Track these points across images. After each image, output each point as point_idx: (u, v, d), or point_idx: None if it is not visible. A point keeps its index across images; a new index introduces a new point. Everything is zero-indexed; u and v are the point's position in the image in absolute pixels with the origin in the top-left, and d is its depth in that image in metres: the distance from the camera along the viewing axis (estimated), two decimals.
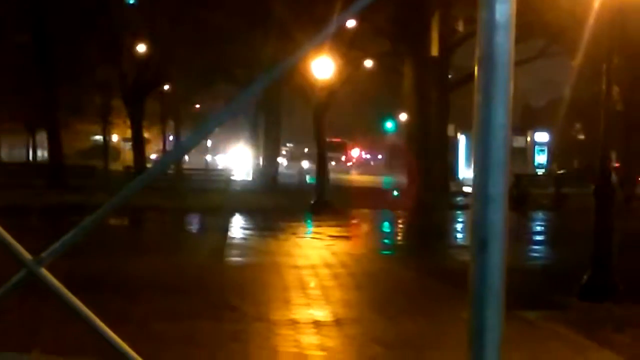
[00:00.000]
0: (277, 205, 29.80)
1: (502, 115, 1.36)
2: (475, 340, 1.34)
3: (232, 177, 46.56)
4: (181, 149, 1.89)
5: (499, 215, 1.35)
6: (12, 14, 35.43)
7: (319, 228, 22.37)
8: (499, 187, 1.36)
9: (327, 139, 71.36)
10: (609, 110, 11.69)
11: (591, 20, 12.53)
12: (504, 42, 1.36)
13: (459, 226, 24.90)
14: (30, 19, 35.71)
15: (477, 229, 1.36)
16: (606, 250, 11.28)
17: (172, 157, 1.72)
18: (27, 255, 1.48)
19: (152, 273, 12.85)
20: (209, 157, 71.47)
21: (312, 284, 12.23)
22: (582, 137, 53.05)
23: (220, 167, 55.06)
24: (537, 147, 56.90)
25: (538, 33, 32.68)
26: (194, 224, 26.08)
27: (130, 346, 1.52)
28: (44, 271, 1.48)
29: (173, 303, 10.32)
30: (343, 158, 74.22)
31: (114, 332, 1.51)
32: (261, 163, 47.86)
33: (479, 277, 1.35)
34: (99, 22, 34.76)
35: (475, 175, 1.37)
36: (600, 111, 11.67)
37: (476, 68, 1.38)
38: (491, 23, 1.35)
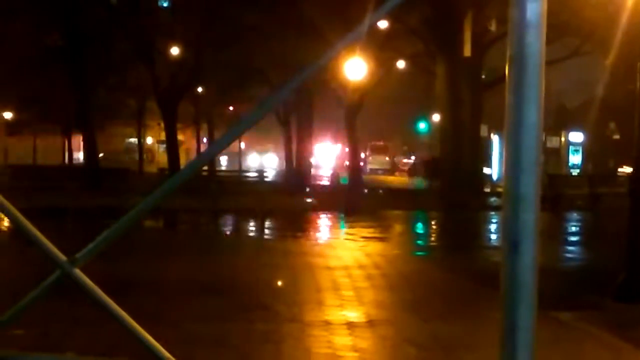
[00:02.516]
0: (309, 206, 29.84)
1: (533, 115, 1.36)
2: (508, 341, 1.33)
3: (266, 179, 46.70)
4: (213, 150, 1.90)
5: (530, 216, 1.35)
6: (45, 16, 35.77)
7: (352, 229, 22.36)
8: (531, 187, 1.35)
9: (372, 142, 71.95)
10: None
11: (624, 18, 12.41)
12: (535, 41, 1.35)
13: (492, 227, 24.77)
14: (63, 21, 36.00)
15: (509, 230, 1.36)
16: None
17: (204, 158, 1.73)
18: (61, 257, 1.50)
19: (185, 274, 12.91)
20: (252, 159, 72.02)
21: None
22: (617, 136, 52.51)
23: (254, 168, 55.26)
24: (571, 148, 56.49)
25: (571, 32, 32.43)
26: (226, 225, 26.16)
27: (163, 346, 1.53)
28: (79, 272, 1.49)
29: (206, 304, 10.36)
30: (387, 159, 74.26)
31: (148, 332, 1.53)
32: (294, 164, 47.97)
33: (510, 278, 1.35)
34: (132, 24, 34.96)
35: (506, 176, 1.37)
36: (635, 110, 11.56)
37: (507, 68, 1.38)
38: (522, 22, 1.35)
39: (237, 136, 1.59)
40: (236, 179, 46.02)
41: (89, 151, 38.96)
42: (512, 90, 1.36)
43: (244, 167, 62.82)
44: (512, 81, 1.36)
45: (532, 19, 1.34)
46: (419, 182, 51.72)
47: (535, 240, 1.35)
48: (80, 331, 7.93)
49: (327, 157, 73.56)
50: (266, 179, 46.61)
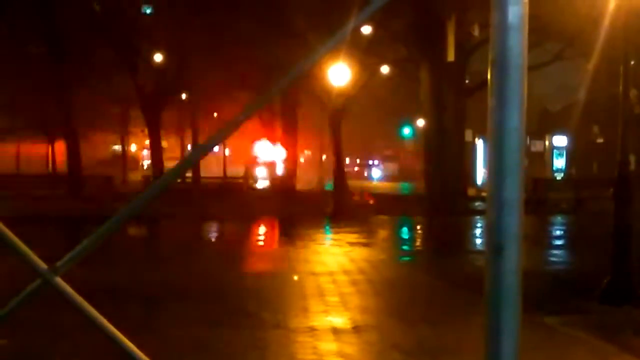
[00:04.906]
0: (295, 212, 29.82)
1: (516, 118, 1.35)
2: (492, 345, 1.33)
3: (252, 185, 46.70)
4: (196, 154, 1.89)
5: (514, 219, 1.34)
6: (27, 23, 35.61)
7: (338, 235, 22.36)
8: (514, 191, 1.34)
9: (384, 152, 73.10)
10: (627, 112, 11.62)
11: (606, 22, 12.47)
12: (517, 44, 1.34)
13: (477, 231, 24.83)
14: (45, 28, 35.84)
15: (492, 234, 1.35)
16: (625, 254, 11.22)
17: (187, 163, 1.72)
18: (42, 265, 1.48)
19: (169, 281, 12.88)
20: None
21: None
22: (600, 140, 52.77)
23: (240, 174, 55.15)
24: (555, 151, 56.66)
25: (553, 36, 32.56)
26: (210, 231, 26.11)
27: (147, 354, 1.52)
28: (60, 280, 1.48)
29: (190, 311, 10.34)
30: (397, 167, 75.40)
31: (132, 340, 1.51)
32: (280, 170, 47.93)
33: (494, 282, 1.34)
34: (115, 31, 34.87)
35: (489, 180, 1.36)
36: (618, 114, 11.61)
37: (489, 71, 1.37)
38: (504, 25, 1.34)
39: (222, 140, 1.58)
40: (221, 185, 46.01)
41: (72, 159, 38.82)
42: (494, 93, 1.36)
43: (230, 174, 62.63)
44: (494, 85, 1.36)
45: (513, 22, 1.34)
46: (404, 187, 51.82)
47: (519, 244, 1.34)
48: (64, 340, 7.88)
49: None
50: (252, 186, 46.67)
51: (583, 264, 15.95)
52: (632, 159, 12.42)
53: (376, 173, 72.93)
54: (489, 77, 1.37)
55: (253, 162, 54.08)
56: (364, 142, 73.79)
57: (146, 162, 63.67)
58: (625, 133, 11.54)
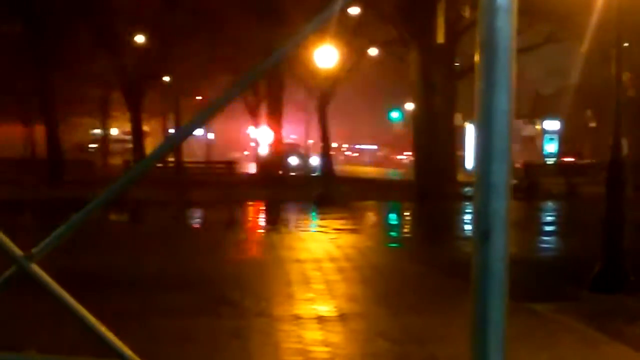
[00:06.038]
0: (281, 197, 29.82)
1: (504, 101, 1.35)
2: (479, 332, 1.33)
3: (236, 170, 46.61)
4: (175, 139, 1.89)
5: (501, 204, 1.34)
6: (4, 2, 35.35)
7: (324, 221, 22.37)
8: (502, 176, 1.35)
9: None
10: (620, 97, 11.65)
11: (599, 3, 12.48)
12: (506, 26, 1.34)
13: (466, 217, 24.89)
14: (23, 8, 35.55)
15: (480, 219, 1.36)
16: (617, 241, 11.26)
17: (168, 146, 1.72)
18: (18, 252, 1.47)
19: (150, 268, 12.86)
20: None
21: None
22: (593, 124, 52.90)
23: (225, 159, 55.05)
24: (547, 136, 56.80)
25: (545, 18, 32.58)
26: (193, 218, 26.08)
27: (128, 343, 1.52)
28: (35, 267, 1.47)
29: (171, 299, 10.33)
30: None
31: (112, 328, 1.51)
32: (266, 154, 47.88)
33: (481, 268, 1.35)
34: (96, 11, 34.66)
35: (477, 164, 1.37)
36: (611, 98, 11.64)
37: (477, 53, 1.37)
38: (492, 6, 1.34)
39: (204, 123, 1.58)
40: (204, 170, 45.93)
41: (52, 143, 38.67)
42: (482, 76, 1.36)
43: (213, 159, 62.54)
44: (482, 67, 1.36)
45: (502, 3, 1.34)
46: (392, 172, 51.93)
47: (506, 230, 1.34)
48: (43, 329, 7.87)
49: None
50: (237, 170, 46.55)
51: (574, 251, 16.00)
52: (624, 143, 12.43)
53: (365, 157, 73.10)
54: (476, 59, 1.37)
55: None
56: (352, 126, 73.78)
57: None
58: (618, 117, 11.57)
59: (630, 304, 9.98)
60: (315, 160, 54.18)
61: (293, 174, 45.83)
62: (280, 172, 40.92)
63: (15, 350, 1.85)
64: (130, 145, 45.33)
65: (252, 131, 53.01)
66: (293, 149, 54.58)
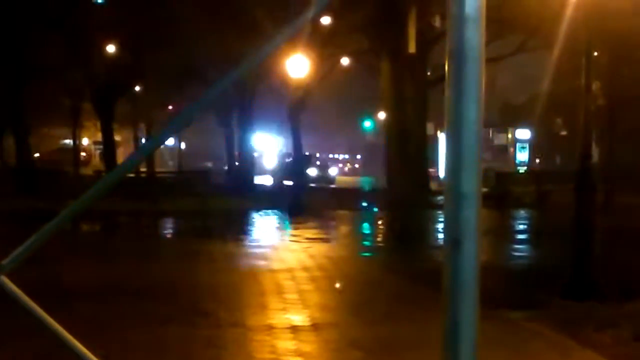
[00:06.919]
0: (253, 207, 29.78)
1: (473, 111, 1.36)
2: (450, 340, 1.34)
3: (210, 179, 46.43)
4: (149, 147, 1.89)
5: (472, 213, 1.35)
6: None
7: (297, 230, 22.36)
8: (472, 185, 1.35)
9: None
10: (590, 105, 11.75)
11: (569, 13, 12.59)
12: (475, 36, 1.35)
13: (439, 226, 24.96)
14: None
15: (450, 228, 1.36)
16: (587, 248, 11.34)
17: (139, 156, 1.71)
18: None
19: (123, 279, 12.79)
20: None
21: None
22: (564, 133, 53.30)
23: (198, 169, 54.85)
24: (518, 145, 57.12)
25: (515, 28, 32.79)
26: (166, 228, 25.98)
27: (101, 353, 1.51)
28: (5, 279, 1.46)
29: (145, 309, 10.28)
30: None
31: (84, 339, 1.50)
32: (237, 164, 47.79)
33: (452, 276, 1.35)
34: (67, 22, 34.49)
35: (447, 173, 1.37)
36: (581, 107, 11.73)
37: (447, 63, 1.38)
38: (461, 17, 1.35)
39: (175, 132, 1.58)
40: (177, 179, 45.75)
41: (22, 153, 38.40)
42: (451, 85, 1.37)
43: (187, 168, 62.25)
44: (452, 76, 1.37)
45: (471, 13, 1.35)
46: (366, 181, 51.98)
47: (476, 238, 1.35)
48: (11, 343, 7.79)
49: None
50: (211, 179, 46.37)
51: (545, 258, 16.10)
52: (594, 151, 12.55)
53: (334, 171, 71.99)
54: (446, 68, 1.38)
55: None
56: (325, 136, 73.78)
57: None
58: (587, 125, 11.66)
59: (600, 312, 10.04)
60: (334, 171, 53.84)
61: (313, 185, 45.43)
62: (292, 182, 40.68)
63: None
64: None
65: (258, 141, 52.04)
66: (309, 160, 53.86)
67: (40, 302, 1.48)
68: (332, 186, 48.15)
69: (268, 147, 72.95)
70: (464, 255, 1.34)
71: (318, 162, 57.74)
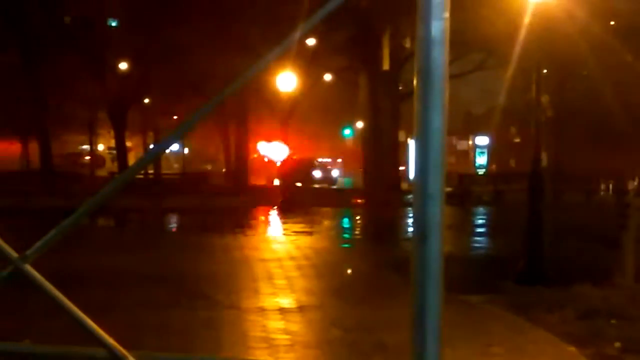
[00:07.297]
0: (247, 205, 29.73)
1: (438, 120, 1.37)
2: (419, 321, 1.34)
3: (209, 180, 46.27)
4: (156, 151, 1.89)
5: (437, 211, 1.36)
6: (1, 35, 35.07)
7: (285, 225, 22.35)
8: (437, 186, 1.36)
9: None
10: (540, 116, 11.82)
11: (522, 36, 12.65)
12: (440, 56, 1.36)
13: (409, 221, 24.99)
14: (19, 40, 35.28)
15: (418, 223, 1.37)
16: (538, 241, 11.40)
17: (146, 159, 1.71)
18: (13, 253, 1.46)
19: (133, 268, 12.75)
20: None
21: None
22: (517, 140, 53.52)
23: (199, 171, 54.61)
24: (477, 150, 57.25)
25: (476, 48, 32.97)
26: (171, 223, 25.90)
27: (112, 333, 1.51)
28: (29, 267, 1.46)
29: (152, 294, 10.25)
30: None
31: (98, 320, 1.50)
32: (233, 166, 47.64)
33: (420, 265, 1.36)
34: (85, 42, 34.51)
35: (416, 175, 1.38)
36: (532, 117, 11.79)
37: (415, 80, 1.39)
38: (428, 39, 1.36)
39: (179, 138, 1.58)
40: (181, 180, 45.63)
41: (44, 157, 38.26)
42: (419, 99, 1.38)
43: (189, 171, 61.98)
44: (420, 91, 1.38)
45: (436, 36, 1.36)
46: (346, 181, 52.02)
47: (441, 232, 1.36)
48: (35, 324, 7.75)
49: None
50: (209, 181, 46.24)
51: (501, 249, 16.13)
52: (544, 156, 12.61)
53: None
54: (414, 84, 1.39)
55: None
56: (310, 141, 73.66)
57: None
58: (538, 134, 11.73)
59: (549, 295, 10.08)
60: (336, 173, 53.67)
61: (317, 186, 45.17)
62: (299, 184, 40.47)
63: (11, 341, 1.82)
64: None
65: (262, 147, 51.29)
66: (312, 163, 53.39)
67: (60, 288, 1.47)
68: (334, 187, 47.88)
69: (264, 151, 72.58)
70: (430, 247, 1.35)
71: (319, 165, 57.54)
